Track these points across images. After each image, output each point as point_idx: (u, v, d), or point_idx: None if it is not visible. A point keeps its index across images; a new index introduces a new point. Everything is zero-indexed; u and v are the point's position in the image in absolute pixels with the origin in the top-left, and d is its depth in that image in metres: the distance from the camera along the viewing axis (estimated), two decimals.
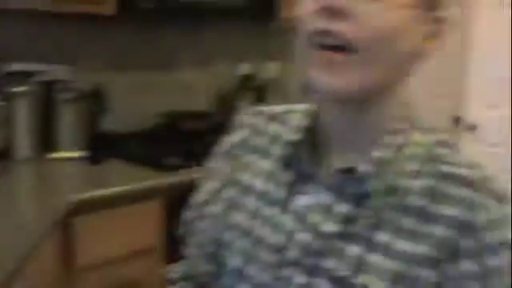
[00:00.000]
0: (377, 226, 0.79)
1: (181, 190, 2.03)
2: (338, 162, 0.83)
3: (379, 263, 0.78)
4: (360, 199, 0.81)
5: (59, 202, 1.87)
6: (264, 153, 0.92)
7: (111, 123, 2.34)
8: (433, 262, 0.77)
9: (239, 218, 0.91)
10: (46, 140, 2.34)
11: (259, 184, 0.90)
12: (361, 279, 0.78)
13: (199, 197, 0.99)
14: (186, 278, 1.02)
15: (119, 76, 2.68)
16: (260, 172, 0.90)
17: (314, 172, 0.85)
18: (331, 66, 0.77)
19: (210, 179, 0.98)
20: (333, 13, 0.75)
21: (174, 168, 2.24)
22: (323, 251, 0.81)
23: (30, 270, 1.49)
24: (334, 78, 0.77)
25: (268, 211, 0.87)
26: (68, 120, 2.35)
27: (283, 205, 0.86)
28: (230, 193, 0.93)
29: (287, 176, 0.87)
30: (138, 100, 2.74)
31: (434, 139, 0.84)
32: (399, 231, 0.78)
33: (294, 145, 0.87)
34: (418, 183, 0.80)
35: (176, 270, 1.04)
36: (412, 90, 0.86)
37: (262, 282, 0.85)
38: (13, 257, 1.44)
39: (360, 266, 0.79)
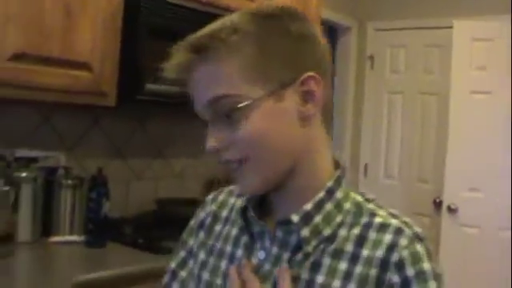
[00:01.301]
0: (315, 270, 0.93)
1: None
2: (279, 215, 0.99)
3: None
4: (298, 247, 0.95)
5: (61, 284, 1.94)
6: (231, 222, 1.08)
7: (109, 208, 2.44)
8: None
9: (208, 277, 1.05)
10: (47, 224, 2.43)
11: (229, 248, 1.04)
12: None
13: (171, 264, 1.16)
14: None
15: (115, 163, 2.81)
16: (229, 238, 1.06)
17: (263, 229, 0.99)
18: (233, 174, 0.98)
19: (181, 249, 1.15)
20: (217, 150, 0.96)
21: (171, 252, 2.33)
22: None
23: None
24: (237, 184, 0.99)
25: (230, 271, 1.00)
26: (68, 205, 2.45)
27: (248, 250, 1.01)
28: (202, 256, 1.08)
29: (245, 238, 1.02)
30: (133, 187, 2.86)
31: (359, 196, 1.00)
32: (334, 272, 0.92)
33: (243, 210, 1.03)
34: (345, 231, 0.95)
35: None
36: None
37: None
38: None
39: None
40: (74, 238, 2.42)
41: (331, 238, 0.95)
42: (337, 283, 0.91)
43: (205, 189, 3.21)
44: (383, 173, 4.56)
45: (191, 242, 1.14)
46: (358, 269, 0.91)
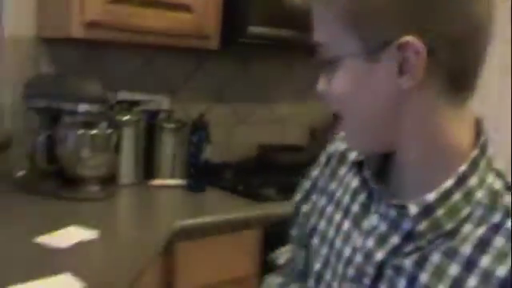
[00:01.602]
0: (421, 265, 0.79)
1: (276, 221, 2.09)
2: (396, 191, 0.85)
3: None
4: (410, 236, 0.81)
5: (161, 229, 1.94)
6: (354, 171, 0.95)
7: (210, 153, 2.42)
8: None
9: (324, 226, 0.98)
10: (149, 167, 2.44)
11: (346, 201, 0.95)
12: None
13: (306, 184, 1.07)
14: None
15: (218, 107, 2.78)
16: (349, 189, 0.95)
17: (381, 195, 0.87)
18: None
19: (307, 180, 1.06)
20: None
21: (270, 199, 2.29)
22: (377, 276, 0.84)
23: None
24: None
25: (347, 226, 0.92)
26: (169, 148, 2.44)
27: (358, 223, 0.90)
28: (322, 201, 1.00)
29: (362, 197, 0.91)
30: (235, 131, 2.83)
31: (499, 182, 0.82)
32: (441, 274, 0.77)
33: (360, 164, 0.90)
34: (469, 228, 0.78)
35: (282, 255, 1.13)
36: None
37: None
38: (116, 282, 1.49)
39: None
40: (175, 181, 2.42)
41: (451, 234, 0.78)
42: None
43: (308, 136, 3.13)
44: None
45: (316, 173, 1.05)
46: (472, 282, 0.75)
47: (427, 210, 0.78)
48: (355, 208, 0.92)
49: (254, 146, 2.85)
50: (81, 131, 2.16)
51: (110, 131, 2.22)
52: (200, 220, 2.06)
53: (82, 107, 2.13)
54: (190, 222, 2.03)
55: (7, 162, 2.29)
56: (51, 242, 1.69)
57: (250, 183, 2.44)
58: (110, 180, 2.28)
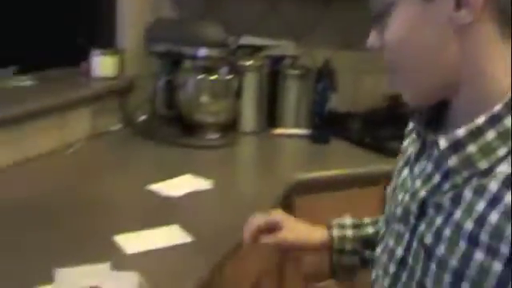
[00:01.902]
0: (456, 202, 0.80)
1: None
2: (442, 134, 0.84)
3: (452, 240, 0.79)
4: (449, 174, 0.83)
5: (280, 181, 1.84)
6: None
7: (335, 102, 2.27)
8: (494, 251, 0.75)
9: (395, 176, 1.01)
10: (272, 115, 2.34)
11: (409, 151, 0.97)
12: (439, 252, 0.81)
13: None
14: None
15: (345, 54, 2.61)
16: (412, 141, 0.98)
17: (432, 141, 0.87)
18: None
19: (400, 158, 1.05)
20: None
21: (396, 154, 2.12)
22: (420, 214, 0.86)
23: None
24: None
25: (405, 173, 0.95)
26: (293, 96, 2.32)
27: (412, 169, 0.92)
28: (400, 158, 1.02)
29: (418, 146, 0.92)
30: (363, 80, 2.65)
31: None
32: (470, 211, 0.78)
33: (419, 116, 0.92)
34: (505, 168, 0.77)
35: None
36: None
37: (392, 231, 0.95)
38: (226, 237, 1.41)
39: (439, 237, 0.81)
40: (299, 131, 2.30)
41: (486, 173, 0.78)
42: (469, 225, 0.78)
43: None
44: None
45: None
46: (494, 216, 0.75)
47: (456, 145, 0.80)
48: (412, 156, 0.94)
49: (383, 96, 2.66)
50: (200, 76, 2.09)
51: (230, 77, 2.14)
52: (323, 173, 1.94)
53: (202, 51, 2.06)
54: (312, 175, 1.92)
55: (129, 107, 2.27)
56: (165, 190, 1.63)
57: (377, 135, 2.27)
58: (229, 127, 2.20)
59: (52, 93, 2.03)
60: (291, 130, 2.31)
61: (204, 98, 2.08)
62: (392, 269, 0.92)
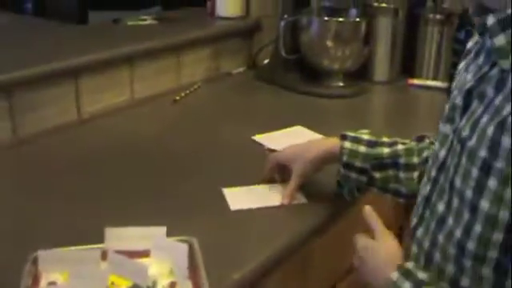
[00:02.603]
0: (499, 88, 0.76)
1: None
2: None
3: (484, 128, 0.75)
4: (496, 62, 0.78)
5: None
6: None
7: None
8: None
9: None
10: (407, 64, 2.12)
11: (470, 51, 0.90)
12: (470, 143, 0.77)
13: None
14: None
15: None
16: (475, 41, 0.90)
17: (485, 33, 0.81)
18: None
19: None
20: None
21: None
22: (465, 107, 0.82)
23: None
24: None
25: (462, 71, 0.90)
26: (434, 44, 2.08)
27: (468, 66, 0.87)
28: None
29: (479, 44, 0.85)
30: None
31: None
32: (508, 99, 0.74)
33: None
34: None
35: None
36: None
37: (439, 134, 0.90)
38: None
39: (475, 128, 0.77)
40: (437, 83, 2.07)
41: None
42: (505, 111, 0.73)
43: None
44: None
45: None
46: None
47: (504, 22, 0.75)
48: (471, 55, 0.88)
49: None
50: (326, 18, 1.91)
51: (360, 20, 1.95)
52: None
53: None
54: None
55: (253, 49, 2.16)
56: (271, 142, 1.51)
57: None
58: (357, 76, 2.02)
59: (173, 32, 1.97)
60: (428, 81, 2.09)
61: (329, 42, 1.91)
62: (433, 173, 0.88)
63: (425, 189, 0.91)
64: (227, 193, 1.25)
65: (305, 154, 1.22)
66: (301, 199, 1.24)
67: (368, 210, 1.02)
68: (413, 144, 1.17)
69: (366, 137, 1.18)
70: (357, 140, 1.17)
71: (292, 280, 1.21)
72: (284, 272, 1.15)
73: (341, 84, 1.98)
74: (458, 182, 0.79)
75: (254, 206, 1.21)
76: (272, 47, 2.04)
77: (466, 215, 0.77)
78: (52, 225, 1.12)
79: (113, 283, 0.88)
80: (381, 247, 0.96)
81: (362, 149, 1.16)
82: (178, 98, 1.83)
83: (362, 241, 0.99)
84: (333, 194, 1.25)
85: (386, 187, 1.18)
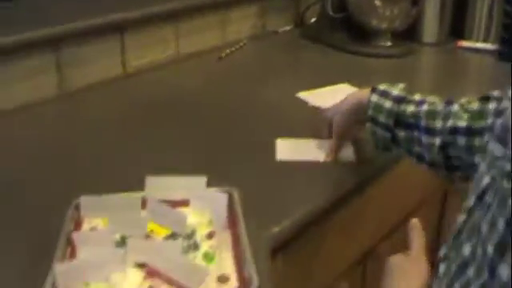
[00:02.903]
0: None
1: None
2: None
3: None
4: None
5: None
6: None
7: None
8: None
9: None
10: (457, 25, 2.06)
11: None
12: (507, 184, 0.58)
13: None
14: None
15: None
16: None
17: None
18: None
19: None
20: None
21: None
22: None
23: None
24: None
25: None
26: (483, 5, 2.02)
27: None
28: None
29: None
30: None
31: None
32: None
33: None
34: None
35: None
36: None
37: None
38: None
39: None
40: (487, 45, 2.01)
41: None
42: None
43: None
44: None
45: None
46: None
47: None
48: None
49: None
50: None
51: None
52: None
53: None
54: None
55: (300, 7, 2.13)
56: (315, 99, 1.50)
57: None
58: (406, 36, 1.98)
59: None
60: (478, 43, 2.03)
61: (377, 1, 1.87)
62: (471, 201, 0.70)
63: (461, 217, 0.74)
64: (279, 142, 1.25)
65: (342, 105, 1.19)
66: (348, 157, 1.22)
67: (414, 224, 0.92)
68: (439, 106, 1.06)
69: (395, 92, 1.11)
70: (385, 94, 1.11)
71: (332, 238, 1.21)
72: (323, 230, 1.15)
73: (388, 44, 1.94)
74: (484, 229, 0.61)
75: (299, 158, 1.20)
76: (319, 6, 2.01)
77: (485, 274, 0.60)
78: (95, 173, 1.14)
79: (152, 231, 0.90)
80: (408, 273, 0.86)
81: (388, 104, 1.10)
82: (223, 55, 1.82)
83: (393, 258, 0.89)
84: (382, 154, 1.21)
85: (411, 150, 1.09)
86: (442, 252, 0.76)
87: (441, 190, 1.74)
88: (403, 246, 0.92)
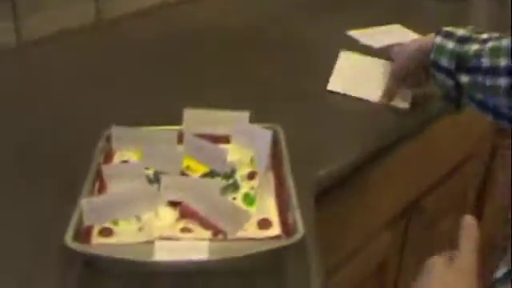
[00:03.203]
0: None
1: None
2: None
3: None
4: None
5: None
6: None
7: None
8: None
9: None
10: None
11: None
12: None
13: None
14: None
15: None
16: None
17: None
18: None
19: None
20: None
21: None
22: None
23: None
24: None
25: None
26: None
27: None
28: None
29: None
30: None
31: None
32: None
33: None
34: None
35: None
36: None
37: None
38: None
39: None
40: None
41: None
42: None
43: None
44: None
45: None
46: None
47: None
48: None
49: None
50: None
51: None
52: None
53: None
54: None
55: None
56: (365, 38, 1.40)
57: None
58: None
59: None
60: None
61: None
62: None
63: None
64: (342, 55, 1.20)
65: (408, 46, 1.08)
66: (402, 102, 1.11)
67: (467, 222, 0.68)
68: (504, 41, 0.93)
69: (461, 31, 0.99)
70: (449, 35, 0.99)
71: (375, 187, 1.14)
72: (368, 178, 1.08)
73: None
74: None
75: (351, 93, 1.13)
76: None
77: None
78: (130, 105, 1.08)
79: (188, 167, 0.82)
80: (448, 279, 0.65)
81: (450, 45, 0.97)
82: None
83: (434, 259, 0.67)
84: (441, 101, 1.11)
85: (474, 97, 0.96)
86: (497, 273, 0.63)
87: (489, 143, 1.66)
88: (450, 206, 0.84)
